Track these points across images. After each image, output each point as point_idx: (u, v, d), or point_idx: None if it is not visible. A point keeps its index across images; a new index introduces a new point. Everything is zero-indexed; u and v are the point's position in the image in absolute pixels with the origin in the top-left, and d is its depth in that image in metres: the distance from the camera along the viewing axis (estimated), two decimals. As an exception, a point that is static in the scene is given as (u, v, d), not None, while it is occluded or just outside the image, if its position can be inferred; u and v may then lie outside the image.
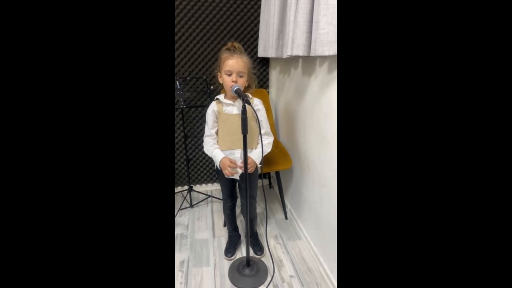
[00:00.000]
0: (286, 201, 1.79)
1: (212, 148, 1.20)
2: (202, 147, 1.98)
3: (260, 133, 1.03)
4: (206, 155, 1.94)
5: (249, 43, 1.81)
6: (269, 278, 1.24)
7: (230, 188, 1.32)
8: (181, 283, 1.23)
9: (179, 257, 1.40)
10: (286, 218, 1.71)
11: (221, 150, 1.20)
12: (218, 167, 1.18)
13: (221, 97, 1.19)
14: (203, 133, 1.24)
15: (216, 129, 1.21)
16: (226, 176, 1.17)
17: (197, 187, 2.04)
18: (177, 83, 1.66)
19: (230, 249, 1.40)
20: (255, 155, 1.17)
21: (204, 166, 2.01)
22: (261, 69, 1.90)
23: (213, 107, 1.19)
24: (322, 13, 0.92)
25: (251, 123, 1.09)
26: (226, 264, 1.34)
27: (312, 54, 1.02)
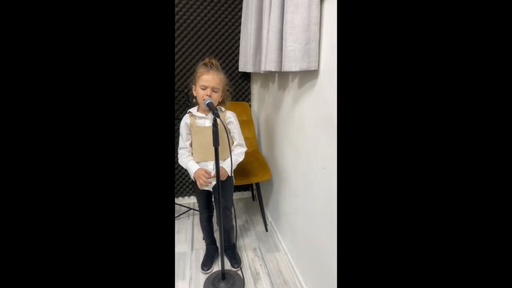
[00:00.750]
0: (267, 213, 1.79)
1: (187, 160, 1.21)
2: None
3: (229, 144, 1.06)
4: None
5: (231, 58, 1.87)
6: (244, 292, 1.23)
7: (206, 200, 1.33)
8: (154, 298, 1.21)
9: (154, 271, 1.37)
10: (266, 230, 1.71)
11: (197, 162, 1.22)
12: (193, 178, 1.19)
13: (193, 110, 1.22)
14: (179, 147, 1.26)
15: (190, 141, 1.23)
16: (201, 188, 1.18)
17: (179, 200, 2.03)
18: (159, 96, 1.69)
19: (207, 262, 1.39)
20: (226, 164, 1.19)
21: (186, 178, 2.01)
22: (242, 83, 1.95)
23: (186, 120, 1.22)
24: (289, 32, 0.97)
25: (222, 135, 1.12)
26: (202, 277, 1.33)
27: (282, 69, 1.07)
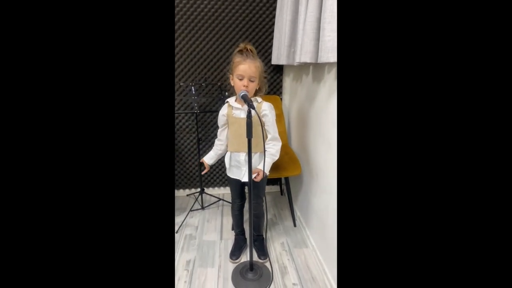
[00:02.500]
0: (295, 208, 1.77)
1: (213, 149, 1.32)
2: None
3: (263, 139, 1.06)
4: (219, 159, 2.01)
5: (264, 50, 1.85)
6: (271, 285, 1.24)
7: (240, 189, 1.35)
8: (185, 281, 1.26)
9: (185, 256, 1.43)
10: (294, 225, 1.70)
11: (229, 151, 1.26)
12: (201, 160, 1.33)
13: (231, 100, 1.22)
14: (216, 137, 1.33)
15: (226, 132, 1.27)
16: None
17: (209, 190, 2.09)
18: (193, 89, 1.73)
19: (236, 252, 1.41)
20: (261, 166, 1.18)
21: (217, 170, 2.06)
22: (275, 76, 1.93)
23: (223, 111, 1.24)
24: (327, 20, 0.93)
25: (257, 128, 1.11)
26: (230, 266, 1.36)
27: (319, 61, 1.03)
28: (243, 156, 1.21)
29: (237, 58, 1.12)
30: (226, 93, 1.81)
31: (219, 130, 1.29)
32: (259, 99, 1.20)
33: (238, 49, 1.14)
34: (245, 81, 1.10)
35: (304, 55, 1.13)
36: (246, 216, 1.53)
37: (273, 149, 1.22)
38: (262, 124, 1.07)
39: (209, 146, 1.98)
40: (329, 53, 0.94)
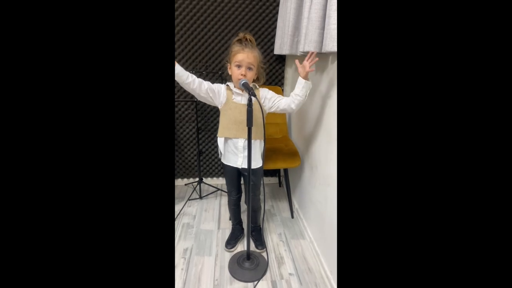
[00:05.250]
0: (293, 200, 1.77)
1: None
2: (215, 141, 2.03)
3: (264, 126, 1.04)
4: (218, 149, 1.99)
5: (266, 40, 1.82)
6: (266, 273, 1.24)
7: (236, 179, 1.33)
8: (182, 269, 1.27)
9: (183, 245, 1.44)
10: (292, 216, 1.70)
11: (226, 137, 1.20)
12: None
13: (231, 84, 1.19)
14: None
15: (205, 89, 1.16)
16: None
17: (207, 180, 2.09)
18: (193, 77, 1.71)
19: (231, 241, 1.42)
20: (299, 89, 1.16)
21: (216, 160, 2.05)
22: (276, 66, 1.90)
23: (223, 89, 1.17)
24: (334, 8, 0.91)
25: (258, 115, 1.10)
26: (227, 255, 1.36)
27: (323, 50, 1.01)
28: (241, 142, 1.19)
29: (235, 47, 1.12)
30: (227, 83, 1.79)
31: (204, 81, 1.15)
32: (257, 86, 1.20)
33: (237, 38, 1.14)
34: (242, 70, 1.10)
35: (308, 45, 1.11)
36: (243, 207, 1.53)
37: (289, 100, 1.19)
38: (263, 112, 1.05)
39: (209, 135, 1.96)
40: (334, 42, 0.92)
